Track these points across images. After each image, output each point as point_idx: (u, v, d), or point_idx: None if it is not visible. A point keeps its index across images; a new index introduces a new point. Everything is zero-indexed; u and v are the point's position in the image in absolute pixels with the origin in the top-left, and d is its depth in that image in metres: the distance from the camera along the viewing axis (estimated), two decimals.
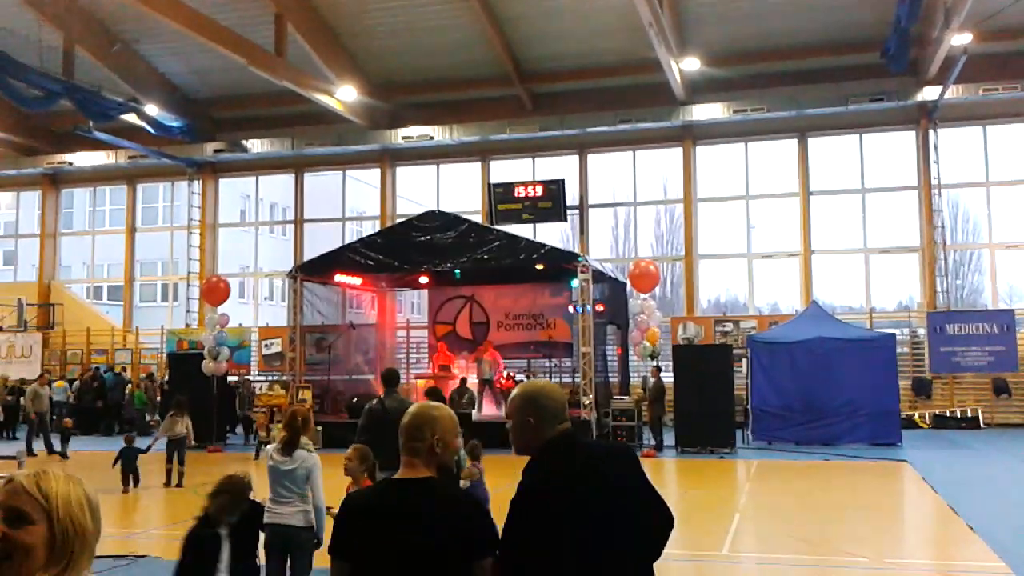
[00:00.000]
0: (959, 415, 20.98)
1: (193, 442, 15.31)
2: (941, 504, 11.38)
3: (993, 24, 18.65)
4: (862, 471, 14.88)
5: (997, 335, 20.86)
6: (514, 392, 3.30)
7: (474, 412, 18.63)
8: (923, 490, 12.68)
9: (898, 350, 19.11)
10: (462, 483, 8.41)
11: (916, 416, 20.96)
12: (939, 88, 20.83)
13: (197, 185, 28.17)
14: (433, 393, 9.81)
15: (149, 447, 13.98)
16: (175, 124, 25.04)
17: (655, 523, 3.13)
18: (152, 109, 24.01)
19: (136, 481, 13.50)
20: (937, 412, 21.14)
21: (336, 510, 5.97)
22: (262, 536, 6.40)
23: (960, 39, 18.58)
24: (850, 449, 16.92)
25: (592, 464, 3.12)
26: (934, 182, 22.53)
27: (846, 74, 22.09)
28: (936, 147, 22.60)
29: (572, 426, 3.24)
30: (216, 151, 26.72)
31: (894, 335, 19.09)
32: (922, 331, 21.99)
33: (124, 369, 25.46)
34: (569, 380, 20.89)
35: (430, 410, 3.08)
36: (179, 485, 13.81)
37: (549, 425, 3.13)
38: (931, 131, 22.59)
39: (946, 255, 22.64)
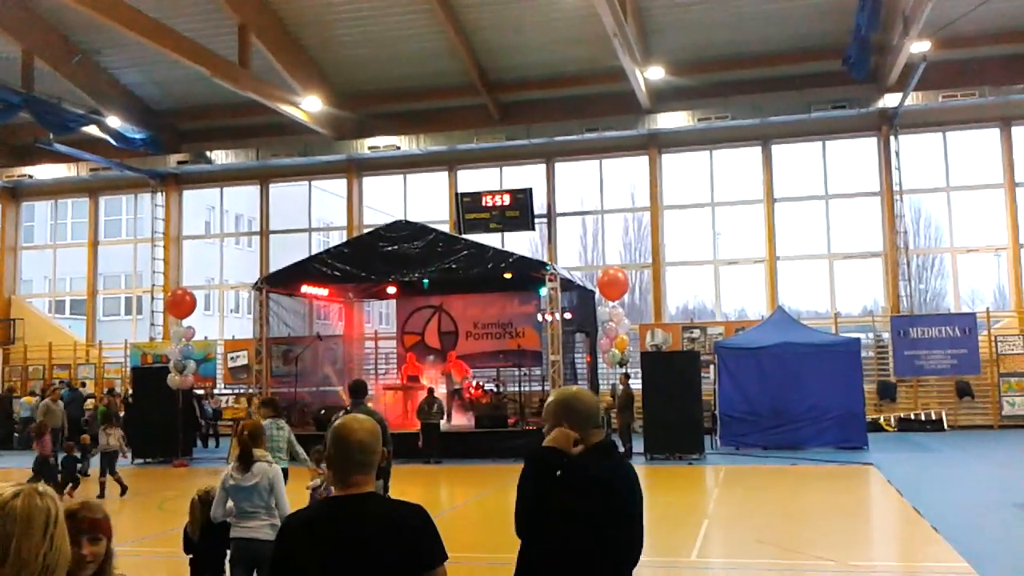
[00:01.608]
0: (923, 418, 21.23)
1: (128, 454, 15.49)
2: (906, 506, 11.49)
3: (951, 32, 18.97)
4: (829, 475, 15.01)
5: (959, 338, 21.14)
6: (549, 399, 3.48)
7: (442, 422, 18.54)
8: (888, 492, 12.81)
9: (863, 354, 19.30)
10: (310, 483, 9.08)
11: (881, 419, 21.19)
12: (899, 95, 21.13)
13: (161, 197, 27.86)
14: (270, 403, 10.27)
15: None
16: (138, 136, 24.78)
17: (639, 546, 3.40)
18: (114, 121, 23.74)
19: (74, 486, 13.89)
20: (902, 415, 21.38)
21: None
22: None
23: (919, 47, 18.88)
24: (817, 453, 17.07)
25: (631, 472, 3.40)
26: (896, 188, 22.84)
27: (808, 82, 22.35)
28: (897, 153, 22.92)
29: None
30: (180, 163, 26.45)
31: (859, 339, 19.29)
32: (886, 335, 22.24)
33: (83, 384, 25.02)
34: (538, 388, 20.91)
35: (373, 425, 3.03)
36: (123, 494, 14.05)
37: (584, 430, 3.31)
38: (892, 137, 22.91)
39: (909, 260, 22.93)
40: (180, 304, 20.38)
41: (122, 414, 21.37)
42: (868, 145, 23.64)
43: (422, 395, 19.14)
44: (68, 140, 24.07)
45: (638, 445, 17.69)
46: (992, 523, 10.31)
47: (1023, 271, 22.39)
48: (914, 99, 21.41)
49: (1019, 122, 22.64)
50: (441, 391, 20.25)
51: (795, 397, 17.97)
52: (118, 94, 24.89)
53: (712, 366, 19.38)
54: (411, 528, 2.85)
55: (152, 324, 27.29)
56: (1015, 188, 22.53)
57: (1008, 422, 21.03)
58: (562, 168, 25.59)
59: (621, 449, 17.58)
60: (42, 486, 2.09)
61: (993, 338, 21.50)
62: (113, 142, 24.35)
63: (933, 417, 21.20)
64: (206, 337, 25.13)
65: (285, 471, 9.54)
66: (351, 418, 3.11)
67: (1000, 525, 10.21)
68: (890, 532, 11.09)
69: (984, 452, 17.22)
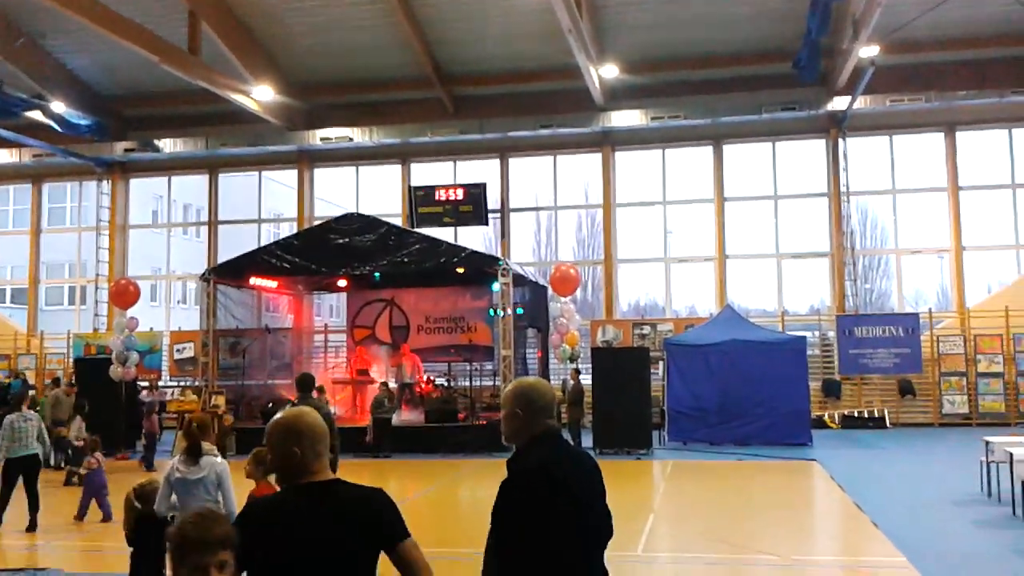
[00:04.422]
0: (867, 415, 21.64)
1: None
2: (847, 502, 11.71)
3: (899, 37, 19.30)
4: (773, 470, 15.23)
5: (903, 338, 21.59)
6: (508, 386, 3.59)
7: (394, 417, 18.42)
8: (831, 488, 13.04)
9: (809, 352, 19.60)
10: (82, 469, 10.82)
11: (826, 416, 21.55)
12: (848, 98, 21.47)
13: (107, 185, 27.30)
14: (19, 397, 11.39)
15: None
16: (83, 122, 24.22)
17: (607, 529, 3.55)
18: (59, 106, 23.17)
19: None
20: (846, 412, 21.76)
21: None
22: None
23: (868, 51, 19.19)
24: (762, 449, 17.30)
25: (575, 458, 3.49)
26: (843, 189, 23.22)
27: (760, 83, 22.60)
28: (845, 155, 23.31)
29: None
30: (127, 150, 25.92)
31: (805, 338, 19.59)
32: (832, 334, 22.63)
33: (23, 375, 24.40)
34: (489, 383, 20.90)
35: (317, 414, 3.16)
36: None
37: (536, 419, 3.42)
38: (840, 140, 23.29)
39: (855, 260, 23.34)
40: (124, 294, 20.00)
41: None
42: (817, 147, 24.01)
43: (372, 389, 19.01)
44: (10, 125, 23.43)
45: (587, 440, 17.77)
46: (930, 519, 10.56)
47: (965, 273, 22.91)
48: (862, 102, 21.77)
49: (963, 127, 23.15)
50: (392, 385, 20.14)
51: (742, 394, 18.20)
52: (63, 79, 24.31)
53: (661, 362, 19.55)
54: (378, 508, 3.02)
55: (96, 314, 26.74)
56: (958, 192, 23.03)
57: (948, 420, 21.52)
58: (516, 164, 25.59)
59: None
60: None
61: (935, 338, 21.98)
62: (58, 128, 23.77)
63: (876, 415, 21.61)
64: (152, 328, 24.69)
65: (35, 457, 10.90)
66: (300, 410, 3.16)
67: (937, 521, 10.45)
68: (832, 527, 11.29)
69: (924, 449, 17.62)
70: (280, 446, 3.02)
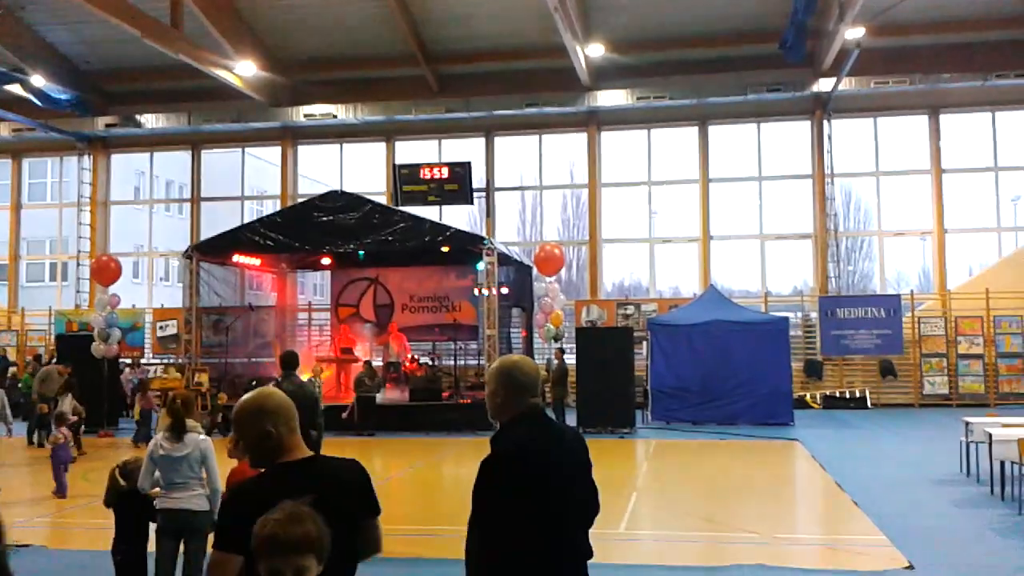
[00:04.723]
0: (848, 396, 21.82)
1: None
2: (828, 481, 11.82)
3: (885, 19, 19.32)
4: (755, 450, 15.34)
5: (884, 319, 21.74)
6: (492, 365, 3.56)
7: (379, 396, 18.40)
8: (812, 467, 13.16)
9: (791, 333, 19.72)
10: (48, 444, 11.16)
11: (807, 396, 21.71)
12: (833, 80, 21.50)
13: (88, 160, 27.02)
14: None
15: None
16: (64, 96, 23.92)
17: (593, 505, 3.51)
18: (39, 80, 22.86)
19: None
20: (827, 393, 21.93)
21: None
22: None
23: (854, 33, 19.20)
24: (744, 428, 17.43)
25: (558, 435, 3.45)
26: (827, 171, 23.29)
27: (746, 64, 22.58)
28: (830, 137, 23.36)
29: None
30: (108, 125, 25.66)
31: (787, 319, 19.70)
32: (814, 315, 22.75)
33: (4, 352, 24.24)
34: (474, 362, 20.93)
35: (282, 395, 3.14)
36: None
37: (519, 398, 3.39)
38: (825, 121, 23.33)
39: (838, 242, 23.45)
40: (105, 271, 19.87)
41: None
42: (802, 128, 24.04)
43: (356, 367, 18.98)
44: None
45: (571, 419, 17.83)
46: (909, 498, 10.66)
47: (947, 255, 23.07)
48: (847, 84, 21.81)
49: (947, 110, 23.24)
50: (376, 363, 20.13)
51: (724, 373, 18.31)
52: (43, 52, 23.97)
53: (645, 342, 19.62)
54: (357, 483, 3.03)
55: (78, 291, 26.55)
56: (941, 174, 23.15)
57: (928, 401, 21.72)
58: (501, 143, 25.50)
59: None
60: None
61: (916, 319, 22.14)
62: (38, 102, 23.48)
63: (857, 395, 21.79)
64: (134, 305, 24.57)
65: None
66: (266, 390, 3.15)
67: (916, 500, 10.55)
68: (812, 505, 11.39)
69: (904, 429, 17.77)
70: (252, 427, 2.97)
